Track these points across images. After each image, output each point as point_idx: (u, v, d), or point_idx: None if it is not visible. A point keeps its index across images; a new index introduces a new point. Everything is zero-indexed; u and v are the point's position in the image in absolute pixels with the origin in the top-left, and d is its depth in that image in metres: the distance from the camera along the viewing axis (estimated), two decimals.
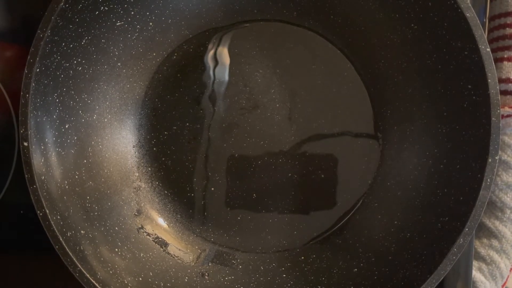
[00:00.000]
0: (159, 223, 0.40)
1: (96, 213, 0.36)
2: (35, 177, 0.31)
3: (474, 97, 0.32)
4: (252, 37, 0.40)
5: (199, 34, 0.40)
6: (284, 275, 0.38)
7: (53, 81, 0.33)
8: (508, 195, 0.39)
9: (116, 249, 0.36)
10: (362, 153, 0.40)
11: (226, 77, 0.40)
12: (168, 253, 0.39)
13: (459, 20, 0.31)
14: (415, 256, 0.34)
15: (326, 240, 0.40)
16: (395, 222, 0.37)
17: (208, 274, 0.39)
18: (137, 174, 0.41)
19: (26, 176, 0.31)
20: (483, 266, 0.40)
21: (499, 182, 0.39)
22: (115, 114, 0.39)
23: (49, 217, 0.31)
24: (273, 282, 0.38)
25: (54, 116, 0.34)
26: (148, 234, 0.39)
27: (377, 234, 0.38)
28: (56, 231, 0.31)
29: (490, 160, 0.31)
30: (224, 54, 0.40)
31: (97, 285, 0.31)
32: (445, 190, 0.34)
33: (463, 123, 0.33)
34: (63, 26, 0.32)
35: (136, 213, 0.39)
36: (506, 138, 0.39)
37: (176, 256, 0.39)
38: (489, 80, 0.31)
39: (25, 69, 0.31)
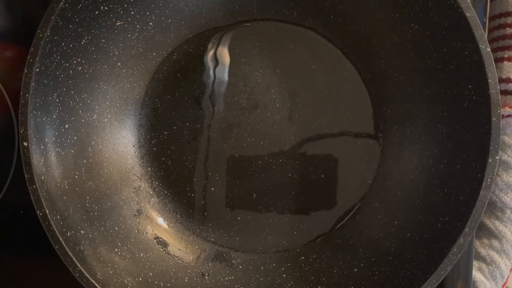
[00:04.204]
0: (159, 223, 0.40)
1: (96, 213, 0.36)
2: (35, 177, 0.31)
3: (474, 97, 0.32)
4: (252, 37, 0.40)
5: (199, 34, 0.40)
6: (284, 275, 0.38)
7: (53, 81, 0.33)
8: (509, 195, 0.39)
9: (116, 249, 0.36)
10: (362, 153, 0.40)
11: (226, 77, 0.40)
12: (168, 253, 0.39)
13: (459, 20, 0.31)
14: (416, 256, 0.34)
15: (326, 240, 0.40)
16: (395, 222, 0.37)
17: (208, 274, 0.39)
18: (137, 174, 0.41)
19: (26, 176, 0.31)
20: (483, 266, 0.40)
21: (500, 182, 0.39)
22: (115, 114, 0.39)
23: (49, 217, 0.31)
24: (273, 282, 0.38)
25: (54, 116, 0.34)
26: (148, 234, 0.39)
27: (377, 234, 0.38)
28: (56, 231, 0.31)
29: (490, 160, 0.31)
30: (224, 54, 0.40)
31: (96, 285, 0.31)
32: (445, 190, 0.34)
33: (463, 123, 0.33)
34: (63, 26, 0.31)
35: (136, 213, 0.39)
36: (506, 138, 0.39)
37: (176, 256, 0.39)
38: (489, 80, 0.31)
39: (25, 69, 0.31)
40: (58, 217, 0.32)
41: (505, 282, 0.40)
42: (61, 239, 0.31)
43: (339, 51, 0.40)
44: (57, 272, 0.38)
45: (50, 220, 0.31)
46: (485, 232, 0.40)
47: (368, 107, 0.40)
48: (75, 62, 0.34)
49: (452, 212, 0.33)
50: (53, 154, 0.34)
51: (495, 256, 0.39)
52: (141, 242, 0.38)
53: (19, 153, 0.38)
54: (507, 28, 0.39)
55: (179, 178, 0.41)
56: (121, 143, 0.40)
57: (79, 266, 0.31)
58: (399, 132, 0.39)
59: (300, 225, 0.40)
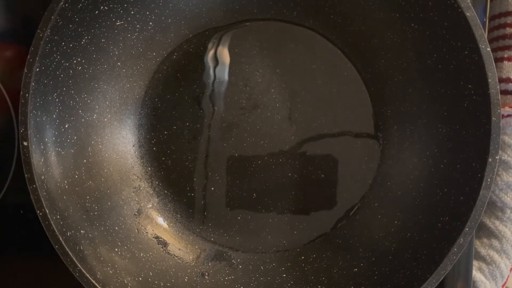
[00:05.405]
0: (159, 223, 0.40)
1: (96, 213, 0.36)
2: (35, 176, 0.31)
3: (474, 97, 0.32)
4: (252, 36, 0.40)
5: (199, 34, 0.40)
6: (284, 275, 0.38)
7: (53, 81, 0.33)
8: (509, 195, 0.39)
9: (116, 249, 0.36)
10: (362, 153, 0.40)
11: (226, 77, 0.40)
12: (168, 253, 0.39)
13: (459, 20, 0.31)
14: (415, 256, 0.34)
15: (326, 240, 0.40)
16: (395, 222, 0.37)
17: (208, 273, 0.39)
18: (137, 173, 0.41)
19: (26, 175, 0.31)
20: (483, 266, 0.40)
21: (499, 182, 0.39)
22: (115, 114, 0.39)
23: (49, 216, 0.31)
24: (273, 282, 0.38)
25: (54, 116, 0.34)
26: (148, 234, 0.39)
27: (377, 234, 0.38)
28: (56, 231, 0.31)
29: (490, 160, 0.31)
30: (224, 53, 0.40)
31: (96, 285, 0.31)
32: (445, 190, 0.34)
33: (463, 123, 0.33)
34: (63, 25, 0.31)
35: (136, 213, 0.39)
36: (506, 138, 0.39)
37: (176, 256, 0.39)
38: (489, 80, 0.31)
39: (25, 69, 0.31)
40: (58, 216, 0.32)
41: (505, 282, 0.40)
42: (61, 239, 0.31)
43: (339, 51, 0.40)
44: (57, 272, 0.38)
45: (50, 220, 0.31)
46: (485, 232, 0.40)
47: (368, 107, 0.40)
48: (75, 61, 0.34)
49: (452, 212, 0.33)
50: (53, 153, 0.34)
51: (495, 256, 0.39)
52: (141, 242, 0.38)
53: (19, 153, 0.38)
54: (507, 28, 0.39)
55: (179, 178, 0.41)
56: (121, 142, 0.40)
57: (79, 266, 0.31)
58: (399, 132, 0.39)
59: (300, 225, 0.40)
